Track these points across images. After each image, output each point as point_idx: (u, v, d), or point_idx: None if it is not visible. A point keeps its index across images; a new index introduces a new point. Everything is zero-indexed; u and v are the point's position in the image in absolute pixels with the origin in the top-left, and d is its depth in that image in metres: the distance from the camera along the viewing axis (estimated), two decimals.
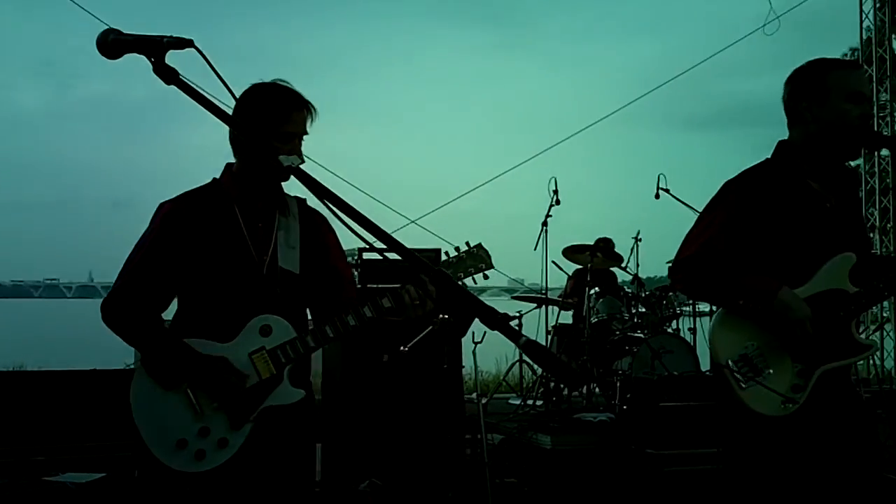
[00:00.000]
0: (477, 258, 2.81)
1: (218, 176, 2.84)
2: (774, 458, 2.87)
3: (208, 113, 1.80)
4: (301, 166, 2.52)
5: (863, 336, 2.93)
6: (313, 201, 2.87)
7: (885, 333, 12.81)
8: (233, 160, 2.82)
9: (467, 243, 2.82)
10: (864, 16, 13.69)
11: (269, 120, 2.66)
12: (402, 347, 5.11)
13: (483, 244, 2.82)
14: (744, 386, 2.84)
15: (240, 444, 2.59)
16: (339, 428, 5.85)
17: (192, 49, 1.81)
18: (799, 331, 2.81)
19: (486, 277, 2.84)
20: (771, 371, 2.85)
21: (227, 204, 2.75)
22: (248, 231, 2.71)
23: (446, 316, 4.95)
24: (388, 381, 5.76)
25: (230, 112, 2.57)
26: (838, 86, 2.88)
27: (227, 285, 2.68)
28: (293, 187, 2.86)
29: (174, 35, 1.74)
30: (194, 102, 1.75)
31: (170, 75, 1.73)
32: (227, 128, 2.69)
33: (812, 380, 2.83)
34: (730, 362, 2.87)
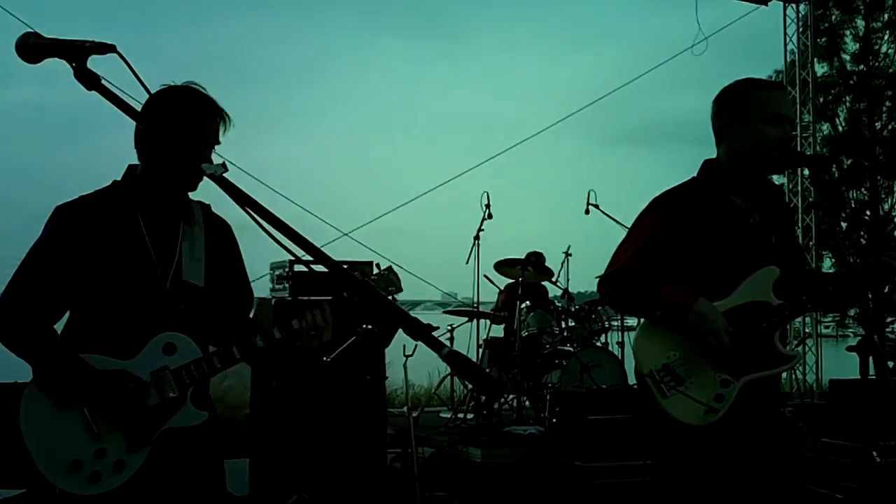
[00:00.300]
0: (387, 281, 2.78)
1: (119, 178, 2.68)
2: (698, 467, 2.91)
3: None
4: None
5: (788, 348, 2.99)
6: (220, 209, 2.77)
7: (806, 348, 13.12)
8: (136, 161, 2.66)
9: (377, 265, 2.81)
10: (788, 39, 14.08)
11: (184, 128, 2.53)
12: (324, 358, 5.07)
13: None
14: (666, 395, 2.89)
15: (137, 466, 2.45)
16: (267, 442, 5.79)
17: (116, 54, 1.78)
18: (713, 340, 2.86)
19: (394, 301, 2.79)
20: (693, 381, 2.89)
21: (129, 210, 2.59)
22: (150, 240, 2.57)
23: (369, 326, 4.94)
24: (312, 393, 5.71)
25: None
26: (759, 107, 2.96)
27: (128, 298, 2.52)
28: (205, 193, 2.74)
29: (96, 40, 1.71)
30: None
31: (91, 81, 1.69)
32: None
33: (734, 390, 2.88)
34: (652, 371, 2.91)
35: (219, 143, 2.63)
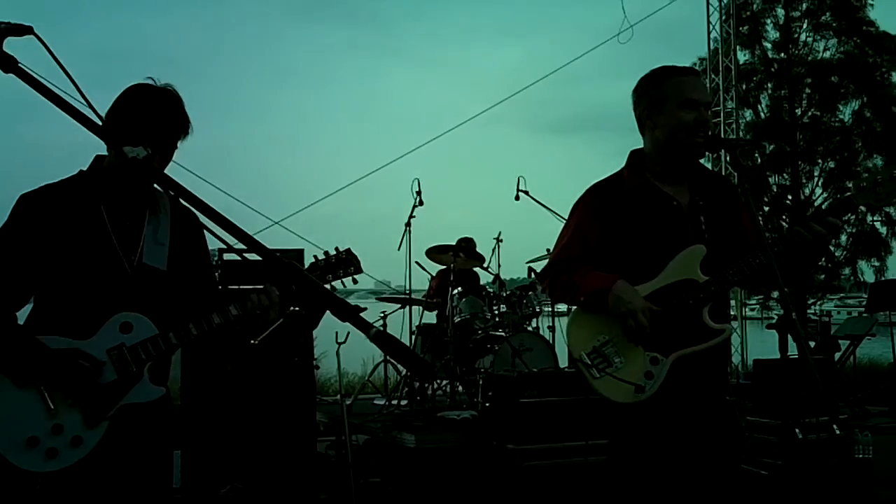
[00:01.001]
0: (346, 262, 2.87)
1: (86, 168, 2.72)
2: (635, 443, 3.02)
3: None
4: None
5: (725, 325, 3.05)
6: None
7: (732, 330, 13.42)
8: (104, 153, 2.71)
9: (336, 248, 2.89)
10: (711, 27, 14.41)
11: (149, 130, 2.60)
12: (251, 340, 5.05)
13: (352, 249, 2.89)
14: (597, 377, 2.97)
15: (95, 442, 2.49)
16: (199, 433, 5.73)
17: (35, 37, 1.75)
18: (631, 322, 2.94)
19: (355, 282, 2.93)
20: (622, 361, 2.98)
21: (92, 199, 2.64)
22: (113, 228, 2.62)
23: (296, 308, 4.93)
24: (241, 377, 5.67)
25: (73, 103, 2.48)
26: (673, 94, 3.06)
27: (89, 283, 2.58)
28: None
29: (12, 21, 1.68)
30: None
31: (8, 63, 1.66)
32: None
33: (664, 367, 2.95)
34: (583, 355, 3.00)
35: (175, 148, 2.71)
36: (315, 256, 2.91)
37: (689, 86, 3.08)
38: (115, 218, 2.64)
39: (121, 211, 2.66)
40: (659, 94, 3.07)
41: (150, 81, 2.69)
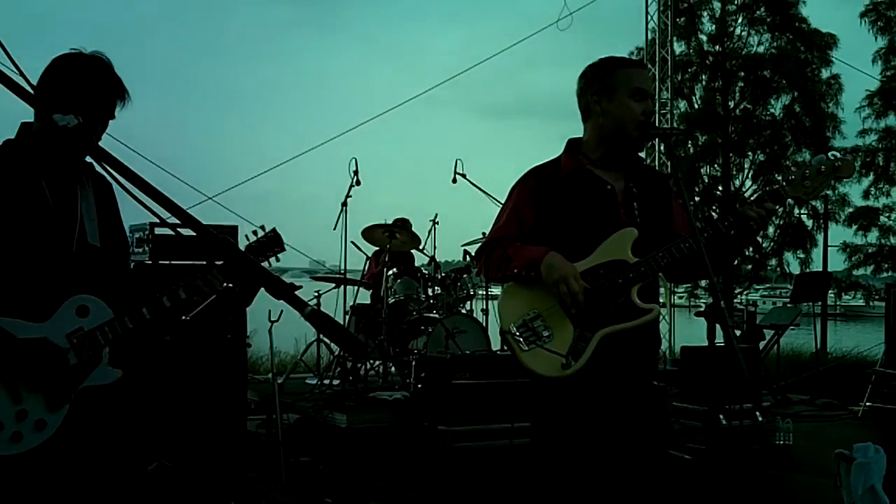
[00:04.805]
0: (273, 242, 2.89)
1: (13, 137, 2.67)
2: (560, 419, 3.06)
3: None
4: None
5: (653, 304, 3.10)
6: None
7: (661, 317, 13.69)
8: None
9: (263, 227, 2.89)
10: (649, 18, 14.59)
11: (81, 96, 2.57)
12: (183, 317, 4.98)
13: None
14: (524, 349, 3.02)
15: (57, 424, 2.53)
16: (126, 409, 5.64)
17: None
18: (563, 288, 2.97)
19: (277, 260, 2.96)
20: (551, 335, 3.02)
21: (32, 173, 2.59)
22: (55, 204, 2.60)
23: (230, 284, 4.89)
24: (172, 354, 5.58)
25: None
26: (624, 82, 3.11)
27: (37, 262, 2.56)
28: None
29: None
30: None
31: None
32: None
33: (591, 344, 2.99)
34: (512, 328, 3.05)
35: (113, 118, 2.67)
36: (246, 235, 2.93)
37: (638, 77, 3.15)
38: (54, 192, 2.61)
39: (58, 184, 2.63)
40: (610, 82, 3.13)
41: (78, 50, 2.66)
